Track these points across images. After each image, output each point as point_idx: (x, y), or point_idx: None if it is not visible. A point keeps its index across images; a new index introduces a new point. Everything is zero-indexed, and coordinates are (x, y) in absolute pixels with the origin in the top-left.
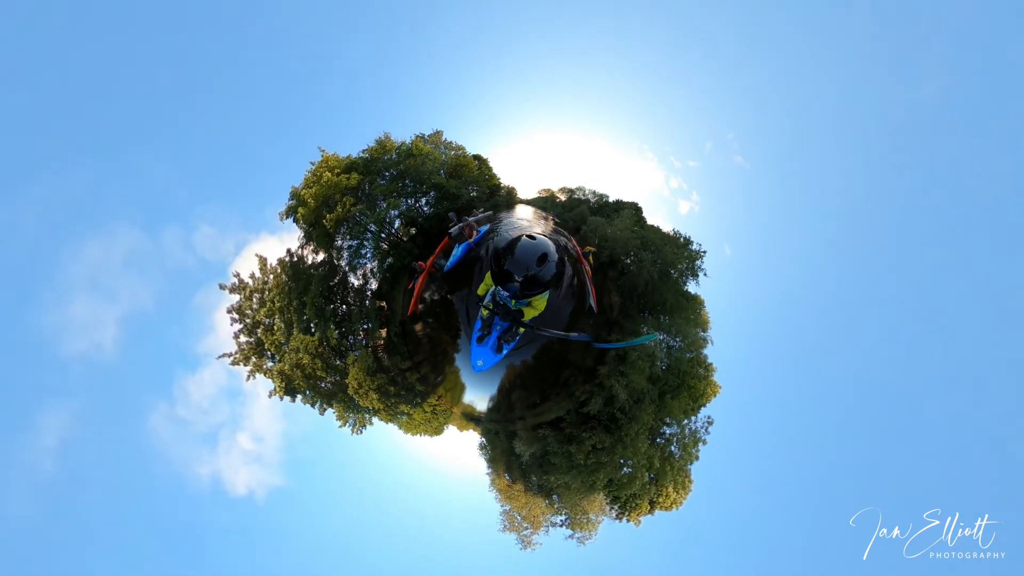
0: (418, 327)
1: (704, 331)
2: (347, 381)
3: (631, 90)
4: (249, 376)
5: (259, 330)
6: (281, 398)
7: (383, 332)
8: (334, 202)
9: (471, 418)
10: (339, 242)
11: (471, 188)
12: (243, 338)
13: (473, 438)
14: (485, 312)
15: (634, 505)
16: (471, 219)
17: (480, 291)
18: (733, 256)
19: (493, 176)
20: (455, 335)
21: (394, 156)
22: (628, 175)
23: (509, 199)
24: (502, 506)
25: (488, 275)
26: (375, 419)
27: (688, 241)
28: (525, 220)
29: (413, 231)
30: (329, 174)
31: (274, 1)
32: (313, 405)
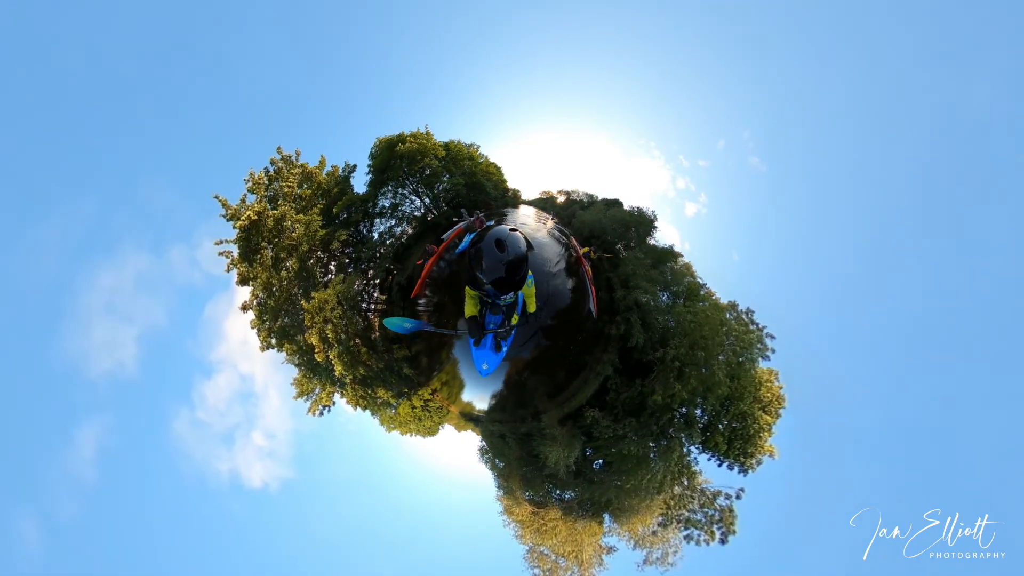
0: (422, 308)
1: (691, 278)
2: (306, 303)
3: (638, 81)
4: (220, 241)
5: (276, 203)
6: (237, 251)
7: (382, 297)
8: (423, 156)
9: (470, 418)
10: (382, 196)
11: (493, 188)
12: (251, 196)
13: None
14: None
15: (756, 432)
16: (481, 213)
17: (467, 312)
18: (740, 263)
19: (503, 180)
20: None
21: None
22: (632, 174)
23: (514, 200)
24: (526, 545)
25: (467, 293)
26: (339, 397)
27: (642, 211)
28: (528, 220)
29: (445, 207)
30: (432, 140)
31: (264, 16)
32: (264, 337)
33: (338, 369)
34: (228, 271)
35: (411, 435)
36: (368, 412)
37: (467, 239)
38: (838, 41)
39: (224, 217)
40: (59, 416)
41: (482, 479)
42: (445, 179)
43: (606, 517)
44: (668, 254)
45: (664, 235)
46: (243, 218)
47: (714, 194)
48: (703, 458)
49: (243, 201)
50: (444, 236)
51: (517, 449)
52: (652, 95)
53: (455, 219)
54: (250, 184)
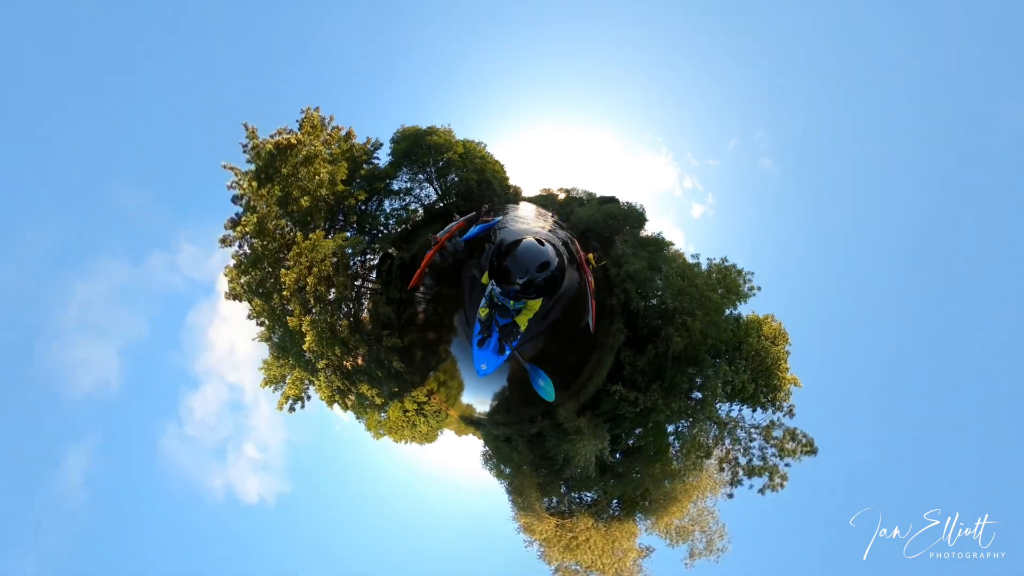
0: (419, 298)
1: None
2: (301, 237)
3: (646, 72)
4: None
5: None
6: (248, 179)
7: (377, 283)
8: (445, 151)
9: (471, 421)
10: (396, 179)
11: (499, 186)
12: (268, 144)
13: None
14: (483, 313)
15: (774, 362)
16: (488, 207)
17: (484, 280)
18: (744, 270)
19: (506, 178)
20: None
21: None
22: (637, 172)
23: (516, 197)
24: (553, 566)
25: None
26: (313, 390)
27: (631, 206)
28: (529, 217)
29: (454, 199)
30: (454, 136)
31: (246, 15)
32: (233, 278)
33: (308, 340)
34: (231, 187)
35: (405, 443)
36: (352, 415)
37: (474, 229)
38: (868, 44)
39: (245, 149)
40: (44, 441)
41: (492, 484)
42: (459, 172)
43: (639, 516)
44: (657, 242)
45: (669, 237)
46: (282, 136)
47: (722, 196)
48: (734, 410)
49: (271, 137)
50: (443, 231)
51: (528, 453)
52: (661, 85)
53: (459, 215)
54: (303, 120)
